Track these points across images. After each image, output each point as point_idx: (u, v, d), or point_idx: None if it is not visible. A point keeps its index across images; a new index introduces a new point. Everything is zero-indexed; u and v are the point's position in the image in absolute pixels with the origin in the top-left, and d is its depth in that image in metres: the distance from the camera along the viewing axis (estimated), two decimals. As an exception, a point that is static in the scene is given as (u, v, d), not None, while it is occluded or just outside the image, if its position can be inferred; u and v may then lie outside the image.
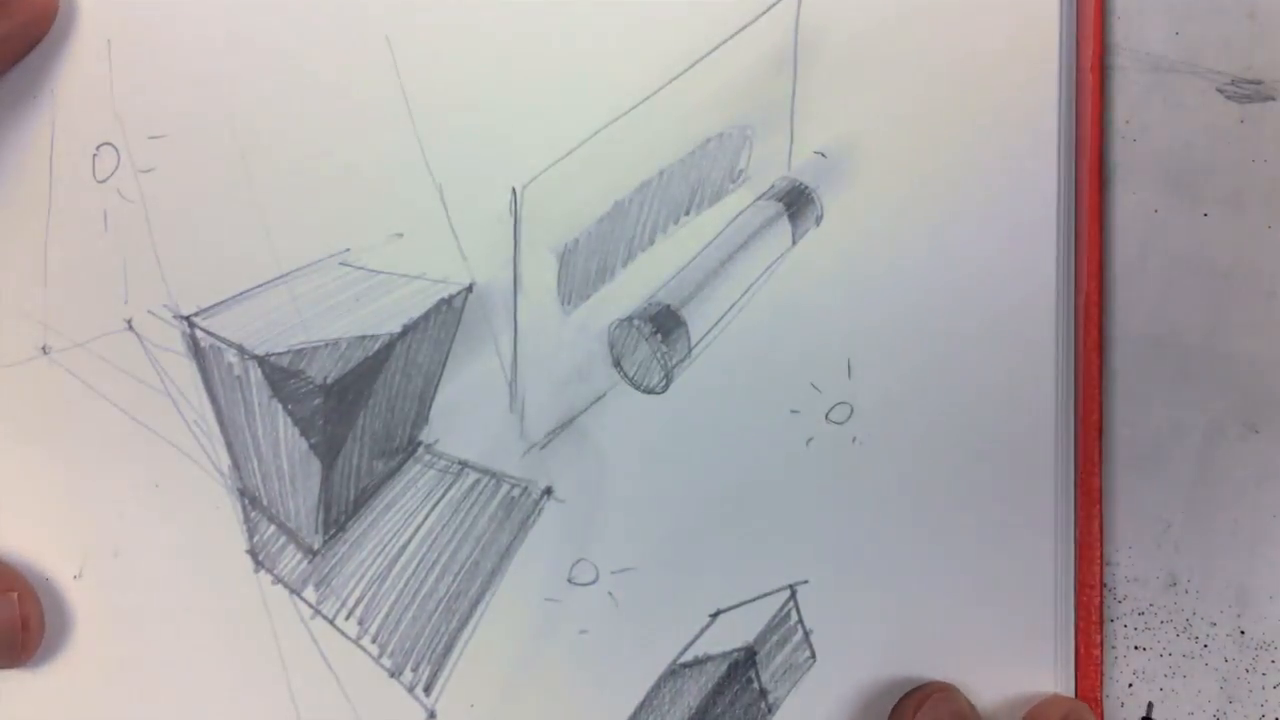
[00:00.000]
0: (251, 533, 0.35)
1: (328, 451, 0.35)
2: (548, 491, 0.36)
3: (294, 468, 0.35)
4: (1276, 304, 0.38)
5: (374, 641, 0.36)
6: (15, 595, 0.34)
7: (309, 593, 0.35)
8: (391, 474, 0.36)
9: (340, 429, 0.35)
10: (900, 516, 0.36)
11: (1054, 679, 0.36)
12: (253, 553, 0.36)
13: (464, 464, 0.36)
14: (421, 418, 0.36)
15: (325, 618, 0.36)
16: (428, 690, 0.36)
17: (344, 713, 0.36)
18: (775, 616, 0.36)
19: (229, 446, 0.35)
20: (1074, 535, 0.36)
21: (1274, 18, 0.38)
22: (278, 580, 0.35)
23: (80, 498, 0.35)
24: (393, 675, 0.36)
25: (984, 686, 0.36)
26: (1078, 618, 0.37)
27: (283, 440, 0.35)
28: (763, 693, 0.36)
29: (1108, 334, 0.37)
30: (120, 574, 0.36)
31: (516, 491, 0.36)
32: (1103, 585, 0.36)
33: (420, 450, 0.36)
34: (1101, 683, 0.37)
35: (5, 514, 0.36)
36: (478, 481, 0.36)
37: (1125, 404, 0.38)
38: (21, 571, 0.35)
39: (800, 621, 0.36)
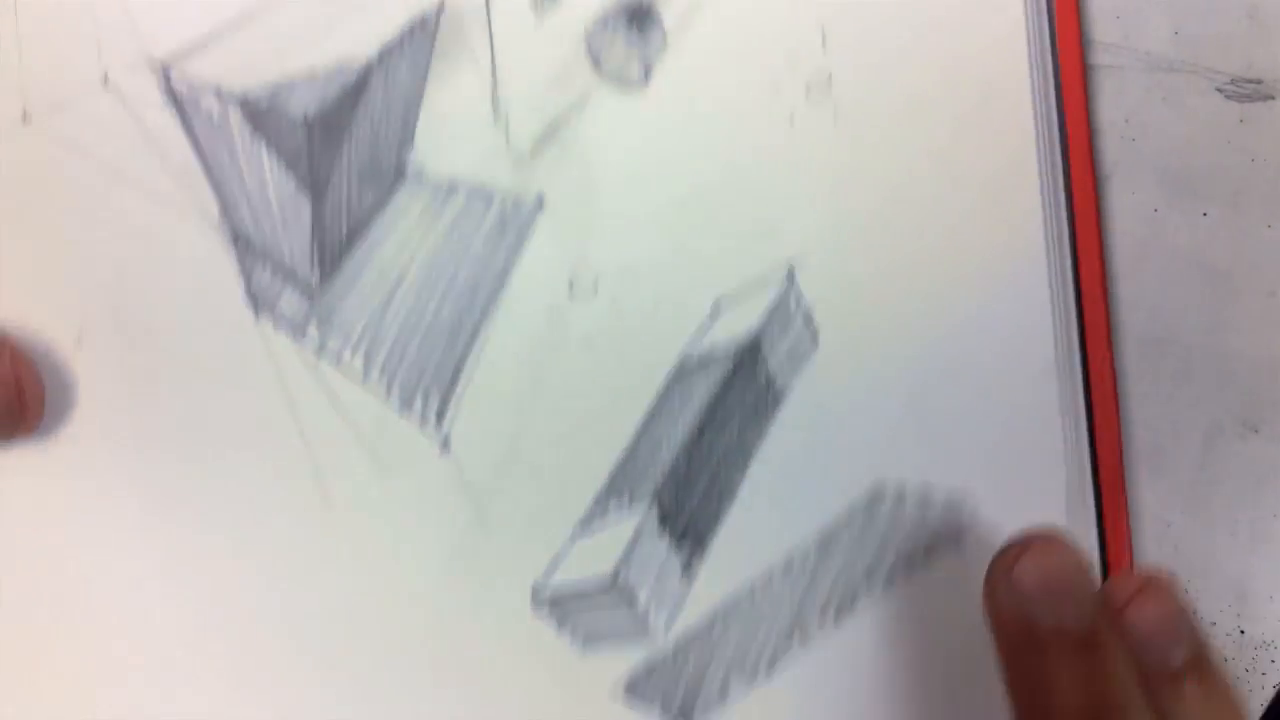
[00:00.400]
0: (248, 278, 0.35)
1: (315, 186, 0.35)
2: (540, 201, 0.35)
3: (283, 206, 0.35)
4: (1276, 304, 0.38)
5: (381, 375, 0.35)
6: (6, 354, 0.33)
7: (311, 331, 0.35)
8: (382, 203, 0.36)
9: (326, 162, 0.35)
10: (890, 194, 0.35)
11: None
12: (251, 297, 0.35)
13: (453, 182, 0.35)
14: (406, 142, 0.35)
15: (330, 355, 0.35)
16: (439, 419, 0.35)
17: (356, 449, 0.35)
18: (775, 302, 0.36)
19: (217, 193, 0.35)
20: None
21: (1274, 18, 0.38)
22: (278, 323, 0.35)
23: (72, 263, 0.35)
24: (403, 407, 0.35)
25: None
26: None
27: (270, 180, 0.35)
28: (769, 383, 0.36)
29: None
30: (120, 336, 0.35)
31: (509, 205, 0.36)
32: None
33: (408, 173, 0.35)
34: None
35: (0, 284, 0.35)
36: (469, 200, 0.36)
37: (1125, 403, 0.38)
38: (13, 337, 0.34)
39: (800, 304, 0.36)
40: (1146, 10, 0.38)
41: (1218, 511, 0.38)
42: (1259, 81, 0.38)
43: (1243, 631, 0.38)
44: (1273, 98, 0.38)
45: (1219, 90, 0.39)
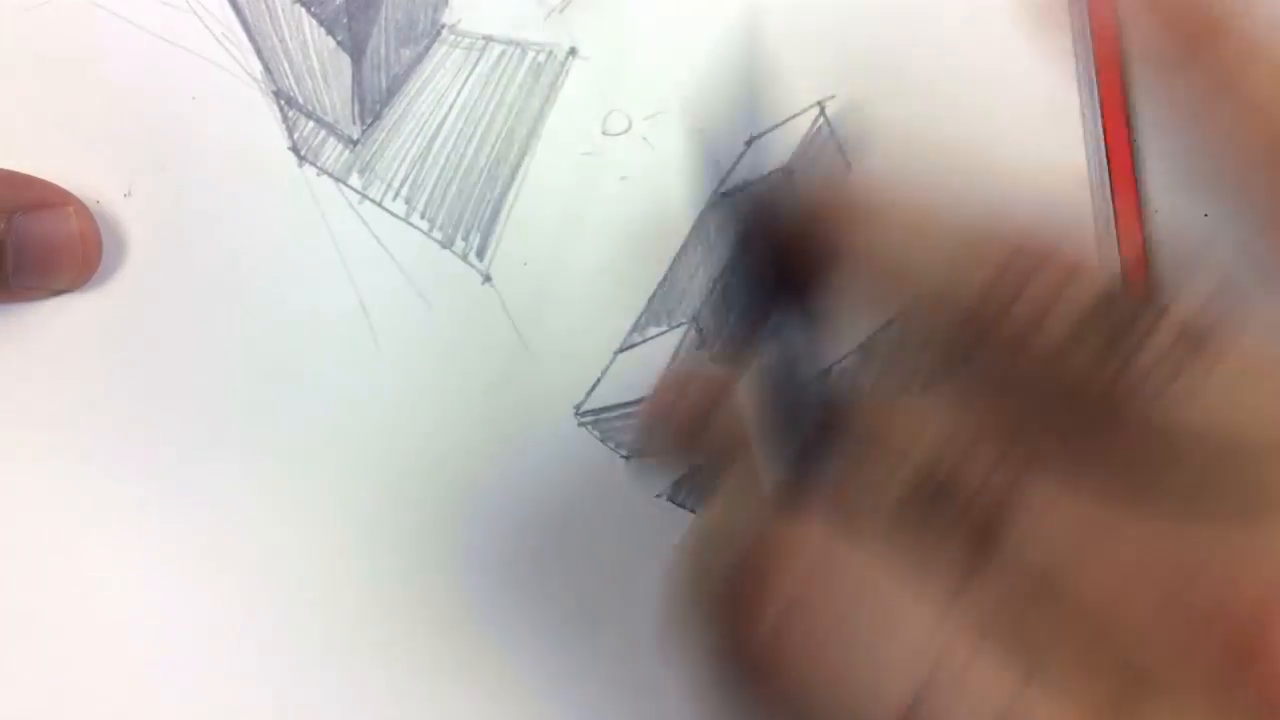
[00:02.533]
0: (291, 130, 0.37)
1: (355, 46, 0.37)
2: (572, 51, 0.37)
3: (324, 65, 0.37)
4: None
5: (423, 217, 0.37)
6: (70, 209, 0.35)
7: (354, 179, 0.37)
8: (419, 59, 0.37)
9: (364, 24, 0.37)
10: (921, 31, 0.38)
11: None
12: (295, 149, 0.37)
13: (488, 38, 0.37)
14: (441, 2, 0.37)
15: (373, 200, 0.37)
16: (480, 256, 0.37)
17: (402, 286, 0.36)
18: (808, 134, 0.37)
19: (258, 53, 0.37)
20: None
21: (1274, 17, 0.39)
22: (322, 171, 0.36)
23: (120, 120, 0.36)
24: (444, 246, 0.37)
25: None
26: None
27: (310, 41, 0.37)
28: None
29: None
30: (169, 186, 0.37)
31: (542, 56, 0.37)
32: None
33: (444, 32, 0.37)
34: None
35: (50, 144, 0.37)
36: (503, 53, 0.37)
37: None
38: (75, 196, 0.36)
39: (833, 134, 0.37)
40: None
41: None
42: None
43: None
44: None
45: None
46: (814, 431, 0.24)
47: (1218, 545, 0.20)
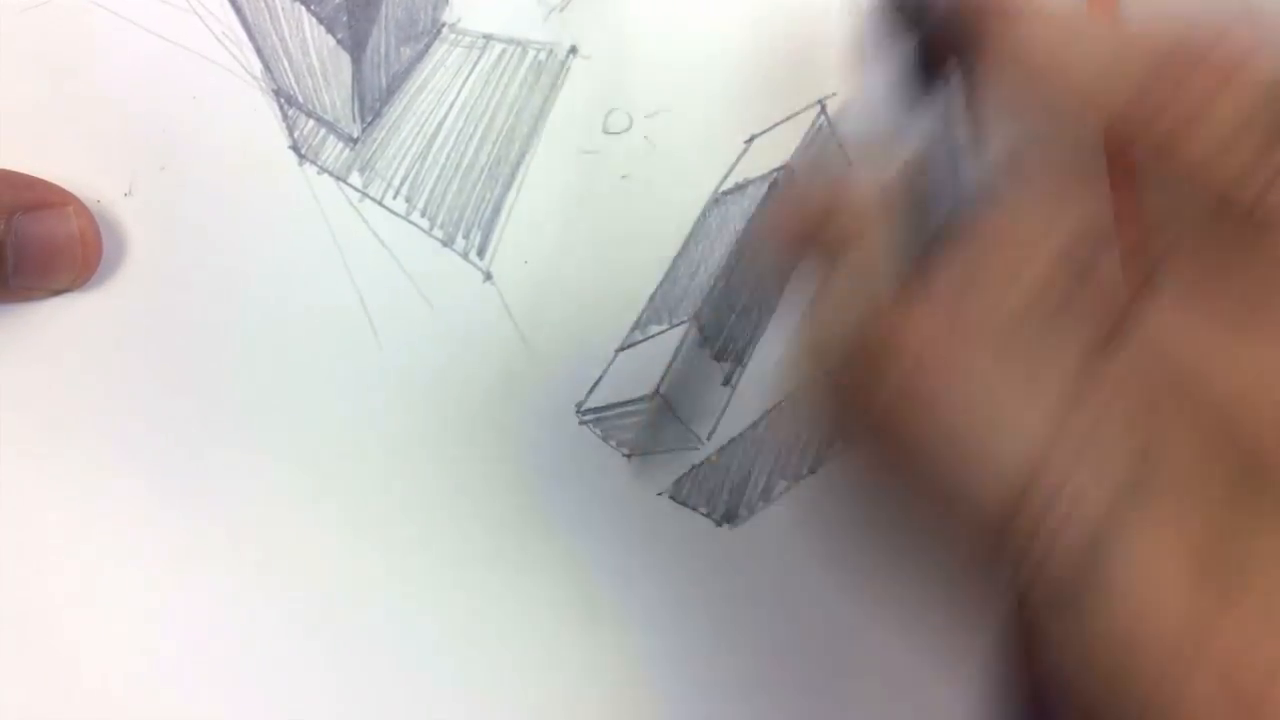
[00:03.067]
0: (291, 129, 0.37)
1: (355, 45, 0.37)
2: (573, 50, 0.37)
3: (324, 64, 0.37)
4: None
5: (423, 215, 0.37)
6: (70, 209, 0.35)
7: (354, 178, 0.36)
8: (419, 57, 0.37)
9: (364, 22, 0.37)
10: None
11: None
12: (295, 147, 0.37)
13: (489, 37, 0.37)
14: (441, 0, 0.37)
15: (373, 198, 0.37)
16: (480, 254, 0.37)
17: (403, 285, 0.36)
18: (808, 133, 0.37)
19: (258, 52, 0.37)
20: None
21: (1274, 18, 0.39)
22: (322, 170, 0.36)
23: (120, 120, 0.36)
24: (445, 244, 0.37)
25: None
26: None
27: (310, 40, 0.37)
28: (806, 205, 0.37)
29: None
30: (169, 186, 0.37)
31: (542, 55, 0.37)
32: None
33: (445, 31, 0.37)
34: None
35: (50, 144, 0.37)
36: (504, 51, 0.37)
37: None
38: (76, 196, 0.36)
39: (833, 132, 0.37)
40: (1146, 10, 0.39)
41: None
42: None
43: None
44: None
45: None
46: (946, 227, 0.24)
47: None
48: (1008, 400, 0.21)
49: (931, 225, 0.24)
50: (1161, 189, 0.23)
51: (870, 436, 0.23)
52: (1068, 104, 0.23)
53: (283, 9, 0.37)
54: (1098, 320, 0.22)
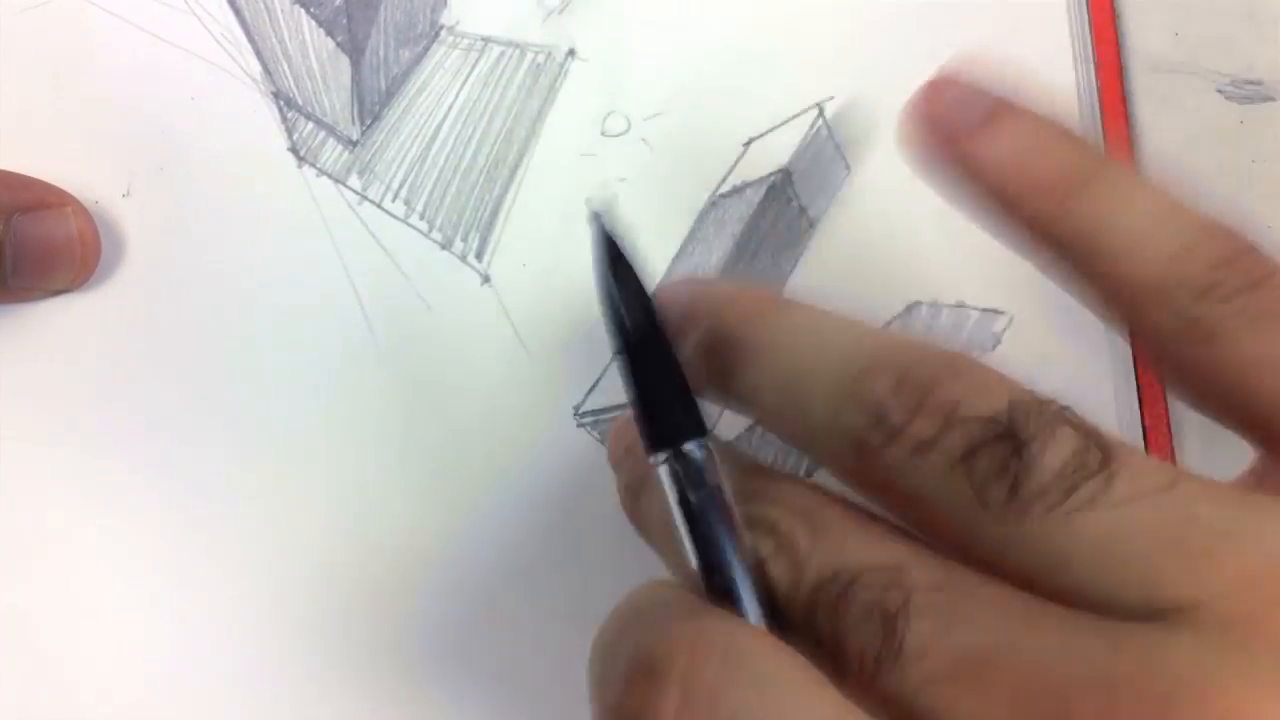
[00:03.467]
0: (290, 131, 0.37)
1: (354, 48, 0.37)
2: (571, 53, 0.37)
3: (323, 67, 0.37)
4: None
5: (422, 218, 0.37)
6: (68, 210, 0.35)
7: (353, 180, 0.37)
8: (418, 60, 0.37)
9: (364, 25, 0.37)
10: (919, 33, 0.38)
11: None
12: (294, 150, 0.37)
13: (487, 40, 0.37)
14: (440, 3, 0.37)
15: (372, 201, 0.37)
16: (479, 257, 0.37)
17: (401, 287, 0.36)
18: (806, 135, 0.37)
19: (257, 54, 0.37)
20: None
21: (1274, 18, 0.38)
22: (321, 172, 0.36)
23: (120, 120, 0.36)
24: (444, 247, 0.37)
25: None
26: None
27: (309, 42, 0.37)
28: (803, 209, 0.37)
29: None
30: (168, 187, 0.37)
31: (541, 58, 0.37)
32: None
33: (443, 33, 0.37)
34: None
35: (49, 144, 0.37)
36: (502, 54, 0.38)
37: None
38: (74, 197, 0.36)
39: (831, 135, 0.37)
40: (1147, 11, 0.39)
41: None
42: (1259, 82, 0.39)
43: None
44: (1273, 99, 0.39)
45: (1219, 91, 0.39)
46: (717, 526, 0.24)
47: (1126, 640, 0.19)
48: (801, 694, 0.20)
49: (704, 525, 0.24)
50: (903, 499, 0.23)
51: None
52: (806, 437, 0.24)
53: (282, 11, 0.37)
54: (876, 622, 0.21)
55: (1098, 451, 0.20)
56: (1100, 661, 0.19)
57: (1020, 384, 0.21)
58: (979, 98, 0.25)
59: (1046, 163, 0.24)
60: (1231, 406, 0.24)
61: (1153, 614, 0.19)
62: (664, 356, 0.24)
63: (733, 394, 0.25)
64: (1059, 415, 0.21)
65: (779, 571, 0.22)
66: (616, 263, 0.25)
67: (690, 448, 0.23)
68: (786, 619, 0.21)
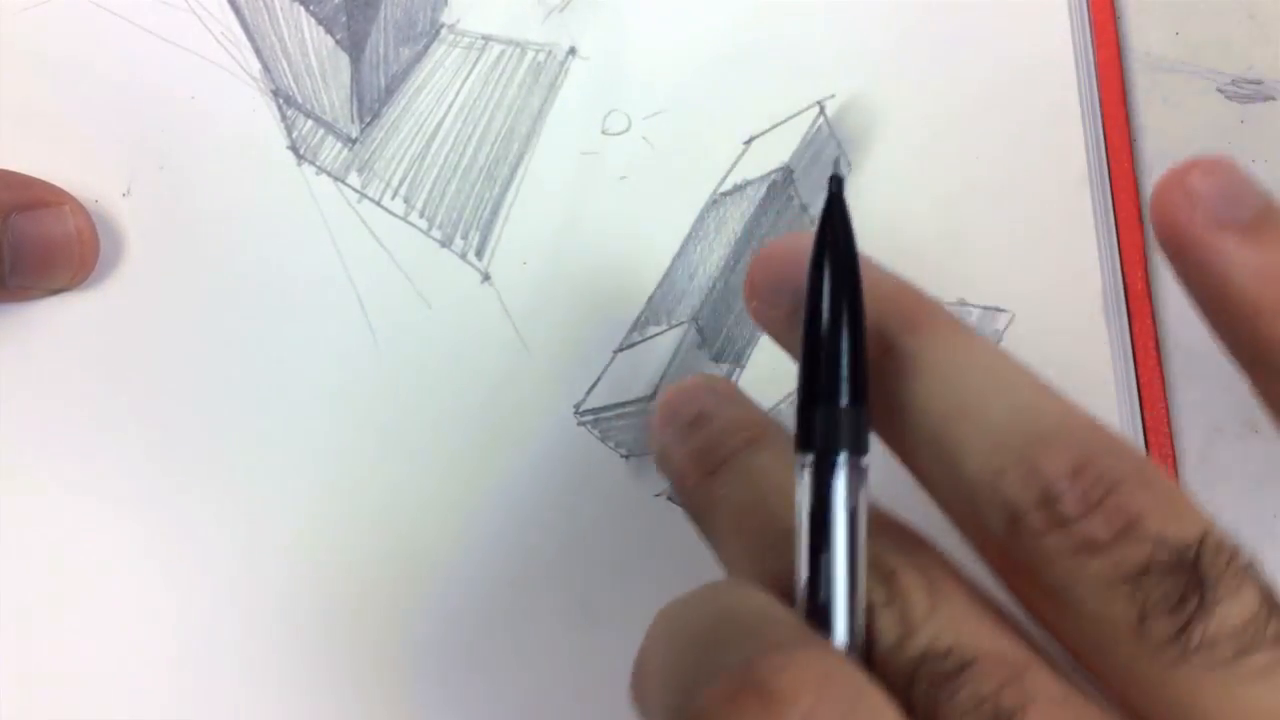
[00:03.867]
0: (290, 129, 0.37)
1: (354, 45, 0.37)
2: (572, 51, 0.37)
3: (323, 65, 0.37)
4: None
5: (422, 216, 0.37)
6: (67, 208, 0.35)
7: (353, 178, 0.36)
8: (418, 58, 0.37)
9: (363, 22, 0.37)
10: (920, 30, 0.38)
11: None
12: (293, 148, 0.37)
13: (487, 38, 0.37)
14: (440, 1, 0.37)
15: (371, 199, 0.37)
16: (479, 255, 0.37)
17: (401, 285, 0.36)
18: (807, 134, 0.37)
19: (258, 53, 0.37)
20: None
21: (1274, 18, 0.38)
22: (321, 170, 0.36)
23: (119, 120, 0.36)
24: (444, 245, 0.37)
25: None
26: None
27: (309, 40, 0.37)
28: (804, 207, 0.37)
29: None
30: (167, 185, 0.37)
31: (541, 56, 0.37)
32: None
33: (443, 32, 0.37)
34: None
35: (49, 143, 0.37)
36: (503, 52, 0.37)
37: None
38: (72, 195, 0.36)
39: (832, 133, 0.37)
40: (1146, 11, 0.39)
41: (1217, 511, 0.36)
42: (1259, 82, 0.39)
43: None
44: (1273, 98, 0.39)
45: (1219, 91, 0.39)
46: (848, 551, 0.21)
47: None
48: None
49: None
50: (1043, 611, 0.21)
51: None
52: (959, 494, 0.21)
53: (281, 9, 0.37)
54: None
55: None
56: None
57: (1211, 519, 0.19)
58: (1255, 195, 0.22)
59: None
60: None
61: None
62: (859, 359, 0.22)
63: (874, 409, 0.22)
64: (1249, 567, 0.19)
65: (887, 624, 0.20)
66: (842, 251, 0.22)
67: (854, 459, 0.21)
68: (879, 675, 0.19)
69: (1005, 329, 0.36)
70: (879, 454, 0.22)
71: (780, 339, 0.25)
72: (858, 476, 0.21)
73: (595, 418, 0.35)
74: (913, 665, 0.19)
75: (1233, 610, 0.18)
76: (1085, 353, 0.36)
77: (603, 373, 0.36)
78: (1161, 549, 0.19)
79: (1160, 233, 0.23)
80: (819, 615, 0.20)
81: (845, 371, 0.21)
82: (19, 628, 0.34)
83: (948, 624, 0.19)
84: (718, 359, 0.36)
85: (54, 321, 0.35)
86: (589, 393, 0.36)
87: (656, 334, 0.36)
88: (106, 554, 0.35)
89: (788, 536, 0.21)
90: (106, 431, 0.35)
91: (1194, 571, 0.18)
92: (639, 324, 0.36)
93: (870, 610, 0.20)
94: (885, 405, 0.22)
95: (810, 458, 0.21)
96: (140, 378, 0.35)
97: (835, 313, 0.21)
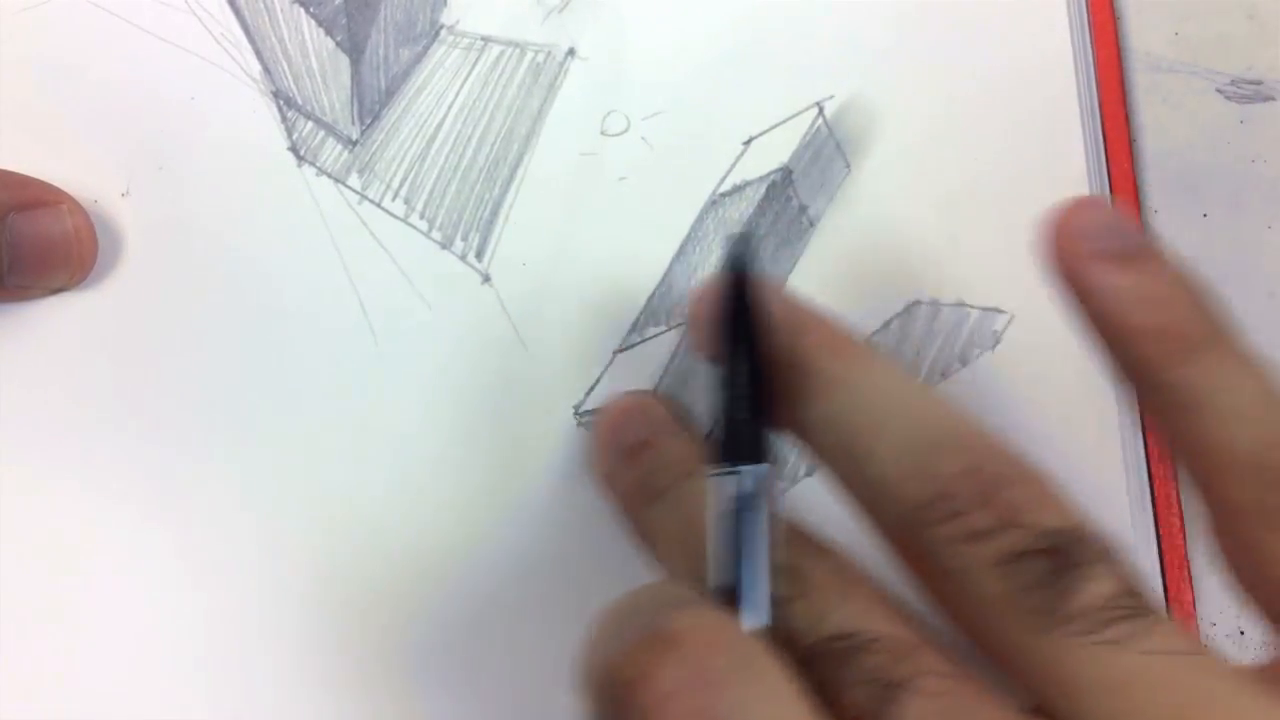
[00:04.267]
0: (290, 130, 0.37)
1: (354, 47, 0.37)
2: (571, 52, 0.37)
3: (323, 66, 0.37)
4: (1276, 305, 0.38)
5: (422, 217, 0.37)
6: (65, 208, 0.35)
7: (353, 179, 0.36)
8: (418, 59, 0.37)
9: (363, 24, 0.37)
10: (921, 31, 0.38)
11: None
12: (294, 149, 0.37)
13: (487, 39, 0.37)
14: (440, 2, 0.37)
15: (372, 200, 0.37)
16: (479, 256, 0.37)
17: (401, 287, 0.36)
18: (806, 134, 0.37)
19: (257, 54, 0.37)
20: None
21: (1274, 18, 0.38)
22: (321, 172, 0.36)
23: (119, 120, 0.36)
24: (444, 246, 0.37)
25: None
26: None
27: (309, 42, 0.37)
28: (803, 208, 0.37)
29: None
30: (167, 186, 0.36)
31: (541, 57, 0.37)
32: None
33: (443, 33, 0.37)
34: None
35: (48, 143, 0.37)
36: (502, 53, 0.37)
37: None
38: (69, 194, 0.36)
39: (831, 134, 0.37)
40: (1146, 11, 0.39)
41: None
42: (1259, 82, 0.39)
43: (1243, 633, 0.37)
44: (1273, 99, 0.39)
45: (1219, 91, 0.39)
46: (759, 551, 0.25)
47: None
48: None
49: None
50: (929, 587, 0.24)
51: None
52: (869, 487, 0.25)
53: (282, 11, 0.37)
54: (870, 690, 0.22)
55: (1141, 599, 0.21)
56: None
57: (1083, 514, 0.23)
58: (1128, 229, 0.26)
59: (1174, 313, 0.25)
60: (1273, 596, 0.25)
61: None
62: (758, 371, 0.25)
63: (792, 421, 0.26)
64: (1111, 555, 0.22)
65: (799, 612, 0.23)
66: (741, 271, 0.27)
67: (759, 469, 0.24)
68: (787, 654, 0.22)
69: (1004, 330, 0.36)
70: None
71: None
72: (758, 482, 0.24)
73: (595, 418, 0.35)
74: (817, 648, 0.22)
75: (1095, 589, 0.21)
76: (1084, 353, 0.36)
77: (602, 373, 0.36)
78: (1036, 537, 0.22)
79: (1052, 262, 0.26)
80: (727, 600, 0.23)
81: (747, 394, 0.25)
82: (17, 629, 0.34)
83: (853, 614, 0.23)
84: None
85: (53, 321, 0.35)
86: (589, 393, 0.36)
87: (656, 335, 0.36)
88: (105, 554, 0.35)
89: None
90: (106, 431, 0.35)
91: (1064, 556, 0.22)
92: (638, 325, 0.36)
93: (785, 601, 0.23)
94: (804, 419, 0.25)
95: (718, 468, 0.24)
96: (140, 378, 0.35)
97: (735, 351, 0.26)
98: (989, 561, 0.22)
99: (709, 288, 0.27)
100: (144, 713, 0.35)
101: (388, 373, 0.36)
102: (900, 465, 0.23)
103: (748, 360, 0.26)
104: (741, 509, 0.24)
